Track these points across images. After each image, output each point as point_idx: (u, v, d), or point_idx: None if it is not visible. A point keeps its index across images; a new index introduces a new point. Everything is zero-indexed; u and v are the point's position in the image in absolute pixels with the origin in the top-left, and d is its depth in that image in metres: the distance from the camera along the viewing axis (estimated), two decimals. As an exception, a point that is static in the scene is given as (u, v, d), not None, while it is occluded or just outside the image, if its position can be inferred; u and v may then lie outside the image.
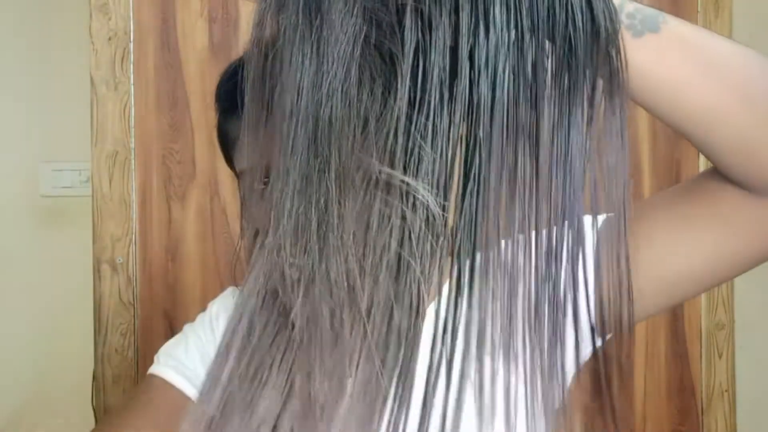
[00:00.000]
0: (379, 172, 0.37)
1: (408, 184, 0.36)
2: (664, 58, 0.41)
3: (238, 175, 0.67)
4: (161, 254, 1.24)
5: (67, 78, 1.56)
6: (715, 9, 1.34)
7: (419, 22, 0.36)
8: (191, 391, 0.69)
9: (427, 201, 0.37)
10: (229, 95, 0.66)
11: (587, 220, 0.40)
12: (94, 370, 1.24)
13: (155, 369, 0.70)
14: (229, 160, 0.69)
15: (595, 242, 0.41)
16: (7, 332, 1.57)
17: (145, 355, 1.23)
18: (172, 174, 1.25)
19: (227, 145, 0.67)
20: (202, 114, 1.25)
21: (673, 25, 0.42)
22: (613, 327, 0.43)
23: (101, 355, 1.23)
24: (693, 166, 1.34)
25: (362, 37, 0.37)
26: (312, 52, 0.38)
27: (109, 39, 1.23)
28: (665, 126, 1.40)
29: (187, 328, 0.76)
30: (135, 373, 1.24)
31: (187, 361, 0.71)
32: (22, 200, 1.58)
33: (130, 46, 1.24)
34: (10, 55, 1.58)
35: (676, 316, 1.34)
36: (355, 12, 0.37)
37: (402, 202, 0.37)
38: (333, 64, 0.37)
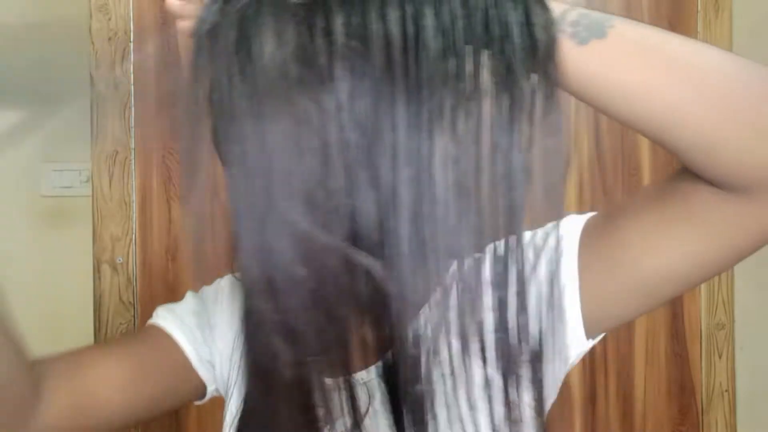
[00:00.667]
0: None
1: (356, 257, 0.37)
2: (613, 63, 0.40)
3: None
4: (161, 254, 1.24)
5: (67, 78, 1.55)
6: (715, 9, 1.34)
7: (350, 65, 0.36)
8: (182, 340, 0.68)
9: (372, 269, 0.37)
10: None
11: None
12: (94, 370, 1.24)
13: (152, 320, 0.70)
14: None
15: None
16: (7, 332, 1.56)
17: (145, 355, 1.23)
18: (172, 174, 1.25)
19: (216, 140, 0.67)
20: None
21: (621, 29, 0.41)
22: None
23: (101, 355, 1.23)
24: (693, 166, 1.34)
25: (297, 83, 0.36)
26: (248, 106, 0.37)
27: (109, 39, 1.23)
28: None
29: (189, 293, 0.75)
30: (135, 373, 1.24)
31: (184, 316, 0.70)
32: (22, 200, 1.58)
33: (130, 46, 1.24)
34: (10, 54, 1.58)
35: (676, 316, 1.34)
36: (286, 55, 0.36)
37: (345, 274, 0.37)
38: (271, 123, 0.36)
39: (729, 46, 1.34)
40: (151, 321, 0.70)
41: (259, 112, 0.37)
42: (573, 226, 0.51)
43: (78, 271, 1.48)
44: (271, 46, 0.36)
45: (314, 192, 0.37)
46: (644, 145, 1.33)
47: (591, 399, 1.32)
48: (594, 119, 1.32)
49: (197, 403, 0.72)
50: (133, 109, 1.24)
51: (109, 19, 1.23)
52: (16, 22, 1.58)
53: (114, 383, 0.63)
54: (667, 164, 1.34)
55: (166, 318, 0.69)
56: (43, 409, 0.57)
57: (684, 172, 0.46)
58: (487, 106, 0.37)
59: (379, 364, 0.59)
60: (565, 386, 1.31)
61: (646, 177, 1.33)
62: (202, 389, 0.70)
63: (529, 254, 0.45)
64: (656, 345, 1.34)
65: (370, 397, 0.57)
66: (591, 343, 0.52)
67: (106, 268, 1.23)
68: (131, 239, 1.23)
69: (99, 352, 0.66)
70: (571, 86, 0.40)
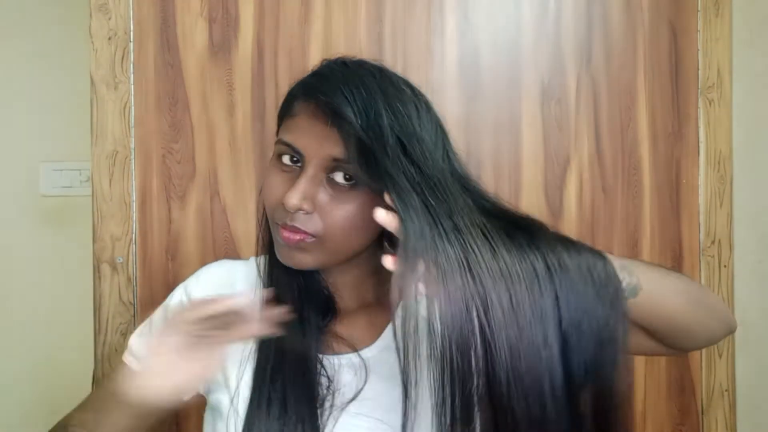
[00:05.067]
0: None
1: None
2: (635, 311, 0.67)
3: (278, 141, 0.73)
4: (161, 254, 1.24)
5: (67, 78, 1.56)
6: (715, 9, 1.34)
7: None
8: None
9: None
10: (314, 82, 0.71)
11: None
12: (94, 370, 1.24)
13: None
14: (280, 118, 0.76)
15: None
16: (6, 332, 1.57)
17: (145, 355, 1.22)
18: (172, 174, 1.25)
19: (285, 109, 0.73)
20: (202, 114, 1.25)
21: (646, 289, 0.67)
22: None
23: (101, 355, 1.23)
24: (693, 165, 1.34)
25: None
26: None
27: (109, 39, 1.23)
28: (666, 125, 1.39)
29: (161, 316, 0.80)
30: (135, 373, 1.24)
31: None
32: (22, 200, 1.58)
33: (130, 46, 1.24)
34: (10, 55, 1.58)
35: (676, 316, 1.35)
36: None
37: None
38: None
39: (729, 45, 1.34)
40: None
41: None
42: None
43: (78, 271, 1.48)
44: None
45: None
46: (644, 145, 1.33)
47: (591, 399, 1.32)
48: (594, 119, 1.32)
49: None
50: (133, 109, 1.24)
51: (109, 19, 1.23)
52: (17, 22, 1.58)
53: None
54: (667, 164, 1.34)
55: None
56: None
57: None
58: None
59: (379, 341, 0.75)
60: (565, 386, 1.31)
61: (646, 176, 1.33)
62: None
63: None
64: (656, 345, 1.34)
65: (368, 371, 0.71)
66: None
67: (106, 268, 1.23)
68: (131, 239, 1.23)
69: None
70: None
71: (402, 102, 0.67)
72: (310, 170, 0.66)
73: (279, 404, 0.69)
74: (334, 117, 0.64)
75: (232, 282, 0.82)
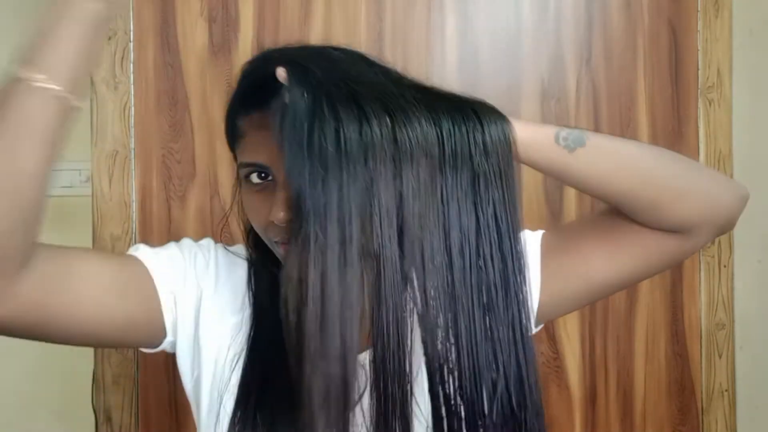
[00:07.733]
0: None
1: None
2: (590, 162, 0.65)
3: (236, 162, 0.72)
4: (161, 254, 1.24)
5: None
6: (715, 9, 1.34)
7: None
8: (160, 285, 0.71)
9: None
10: (245, 93, 0.69)
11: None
12: (94, 370, 1.24)
13: (138, 256, 0.72)
14: (231, 145, 0.74)
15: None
16: (7, 332, 1.56)
17: (144, 354, 1.22)
18: (172, 174, 1.25)
19: (232, 134, 0.72)
20: (202, 114, 1.25)
21: (593, 140, 0.65)
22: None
23: (101, 355, 1.23)
24: (693, 166, 1.34)
25: None
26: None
27: (109, 39, 1.23)
28: (666, 125, 1.39)
29: (174, 247, 0.76)
30: (135, 373, 1.24)
31: (167, 265, 0.73)
32: (22, 200, 1.58)
33: (130, 46, 1.24)
34: (10, 55, 1.58)
35: (676, 316, 1.35)
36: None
37: None
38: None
39: (729, 45, 1.34)
40: (137, 256, 0.72)
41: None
42: (531, 239, 0.74)
43: (78, 271, 1.47)
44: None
45: None
46: (644, 145, 1.33)
47: (591, 399, 1.32)
48: (594, 119, 1.32)
49: (146, 351, 0.74)
50: (133, 109, 1.24)
51: (109, 19, 1.23)
52: (16, 22, 1.58)
53: (92, 293, 0.66)
54: (667, 164, 1.34)
55: (150, 260, 0.72)
56: (24, 275, 0.60)
57: (618, 214, 0.71)
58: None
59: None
60: (565, 386, 1.31)
61: (646, 177, 1.33)
62: (158, 338, 0.73)
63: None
64: (656, 345, 1.34)
65: (367, 378, 0.66)
66: (535, 331, 0.73)
67: (106, 268, 1.23)
68: (131, 239, 1.23)
69: (94, 260, 0.71)
70: (565, 177, 0.67)
71: (331, 61, 0.63)
72: (283, 178, 0.64)
73: (266, 428, 0.68)
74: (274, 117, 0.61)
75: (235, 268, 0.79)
